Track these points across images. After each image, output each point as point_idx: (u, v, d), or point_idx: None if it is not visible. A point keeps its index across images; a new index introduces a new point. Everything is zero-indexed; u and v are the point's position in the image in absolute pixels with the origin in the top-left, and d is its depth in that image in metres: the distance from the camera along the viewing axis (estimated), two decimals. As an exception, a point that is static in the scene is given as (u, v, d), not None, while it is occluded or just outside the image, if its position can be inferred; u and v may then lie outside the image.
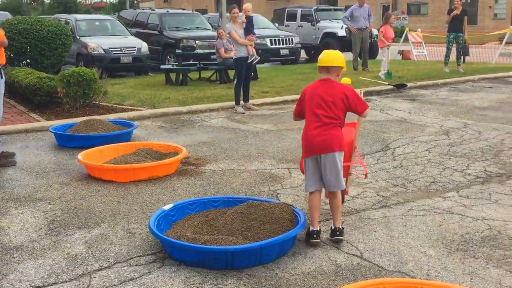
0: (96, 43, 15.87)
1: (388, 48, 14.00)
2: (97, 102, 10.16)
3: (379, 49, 15.66)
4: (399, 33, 23.04)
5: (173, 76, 13.77)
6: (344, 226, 4.61)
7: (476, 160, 6.75)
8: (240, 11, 10.30)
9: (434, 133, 8.27)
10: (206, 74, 14.80)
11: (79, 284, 3.74)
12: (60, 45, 13.26)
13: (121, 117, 9.39)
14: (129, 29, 18.26)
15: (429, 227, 4.69)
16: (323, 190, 4.45)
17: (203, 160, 6.90)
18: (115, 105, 10.57)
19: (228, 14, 11.05)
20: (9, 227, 4.77)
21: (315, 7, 22.84)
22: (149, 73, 16.69)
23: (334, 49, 4.71)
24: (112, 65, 15.39)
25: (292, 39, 19.48)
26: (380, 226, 4.72)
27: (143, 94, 11.78)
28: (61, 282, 3.78)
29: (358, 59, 15.90)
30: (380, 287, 3.36)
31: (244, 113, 10.09)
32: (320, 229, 4.40)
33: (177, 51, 16.06)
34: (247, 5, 10.48)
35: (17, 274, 3.89)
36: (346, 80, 4.80)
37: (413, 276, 3.82)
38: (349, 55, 17.08)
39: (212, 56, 15.19)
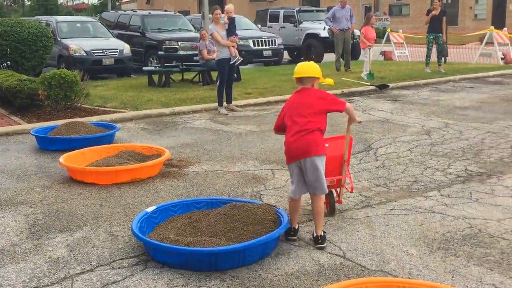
0: (78, 45, 15.77)
1: (369, 49, 14.09)
2: (79, 105, 10.08)
3: (361, 50, 15.74)
4: (381, 34, 23.17)
5: (155, 77, 13.72)
6: (327, 226, 4.64)
7: (457, 160, 6.82)
8: (223, 12, 10.29)
9: (416, 133, 8.34)
10: (189, 75, 14.76)
11: (61, 288, 3.72)
12: (41, 47, 13.13)
13: (103, 119, 9.34)
14: (111, 30, 18.15)
15: (411, 226, 4.73)
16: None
17: (186, 162, 6.88)
18: (97, 107, 10.50)
19: (210, 15, 11.05)
20: (-11, 231, 4.72)
21: (297, 8, 22.86)
22: (131, 75, 16.62)
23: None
24: (94, 67, 15.32)
25: (275, 40, 19.50)
26: (362, 226, 4.75)
27: (126, 96, 11.73)
28: (43, 286, 3.75)
29: (341, 60, 15.96)
30: (362, 286, 3.38)
31: (227, 114, 10.08)
32: (298, 228, 4.53)
33: (159, 52, 16.02)
34: (229, 6, 10.49)
35: (-2, 279, 3.86)
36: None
37: (395, 275, 3.85)
38: (332, 56, 17.16)
39: (194, 58, 15.20)
